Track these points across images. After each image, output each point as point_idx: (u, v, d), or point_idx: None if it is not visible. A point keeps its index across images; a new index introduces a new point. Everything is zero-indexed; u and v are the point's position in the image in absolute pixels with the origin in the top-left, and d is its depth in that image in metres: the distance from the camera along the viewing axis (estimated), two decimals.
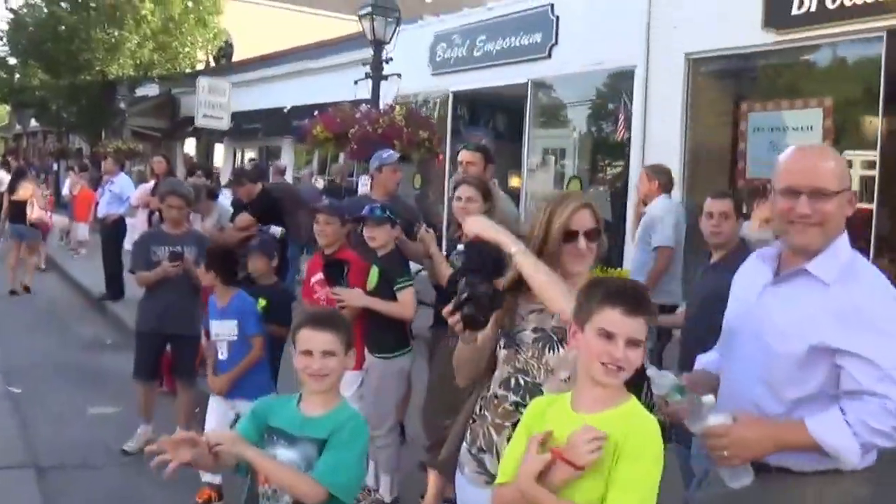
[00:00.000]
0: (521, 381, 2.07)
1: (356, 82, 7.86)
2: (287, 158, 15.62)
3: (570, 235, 2.01)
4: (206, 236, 4.63)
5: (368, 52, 13.08)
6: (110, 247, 8.92)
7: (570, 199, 2.06)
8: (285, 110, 15.27)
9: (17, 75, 19.77)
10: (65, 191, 12.87)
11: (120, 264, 8.84)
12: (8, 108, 34.66)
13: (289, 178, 12.65)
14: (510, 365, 2.10)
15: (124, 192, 9.02)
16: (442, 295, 3.66)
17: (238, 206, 5.78)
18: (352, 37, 15.17)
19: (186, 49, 18.24)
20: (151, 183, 8.43)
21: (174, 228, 4.43)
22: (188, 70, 18.84)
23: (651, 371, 1.87)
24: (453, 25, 10.38)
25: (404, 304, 3.43)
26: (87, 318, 8.32)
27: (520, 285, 2.08)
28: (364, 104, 7.47)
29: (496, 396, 2.12)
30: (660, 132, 7.84)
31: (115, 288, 8.76)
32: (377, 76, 7.45)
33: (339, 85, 13.61)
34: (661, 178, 5.15)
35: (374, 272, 3.50)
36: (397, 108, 6.96)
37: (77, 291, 9.81)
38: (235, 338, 3.75)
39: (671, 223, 4.89)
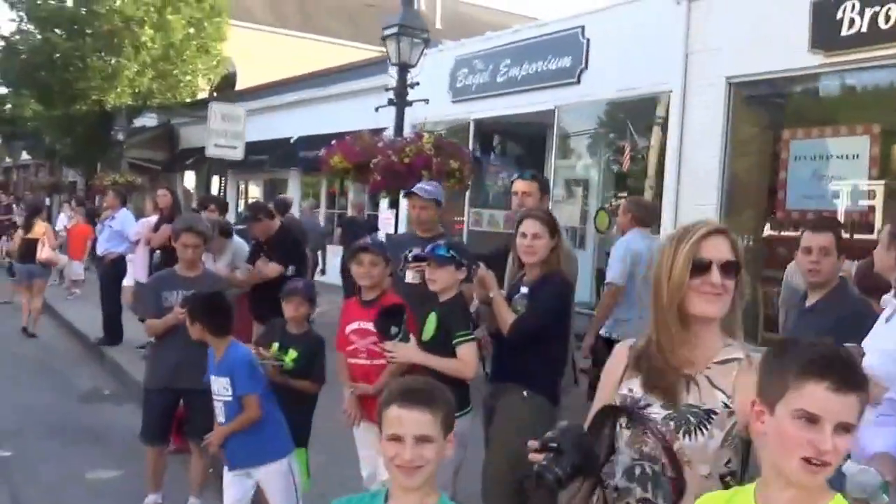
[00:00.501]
0: (649, 470, 1.72)
1: (377, 109, 7.60)
2: (294, 191, 15.41)
3: (699, 268, 1.67)
4: (224, 279, 4.28)
5: (381, 79, 13.07)
6: (109, 287, 8.57)
7: (699, 225, 1.73)
8: (292, 141, 15.09)
9: (9, 105, 19.65)
10: (58, 226, 12.59)
11: (119, 306, 8.51)
12: None
13: (294, 211, 12.41)
14: (635, 450, 1.75)
15: (125, 229, 8.68)
16: (502, 345, 3.31)
17: (255, 245, 5.44)
18: (363, 63, 15.08)
19: (188, 77, 18.12)
20: (153, 218, 8.11)
21: (188, 270, 4.09)
22: (189, 99, 18.72)
23: (848, 466, 1.51)
24: (475, 49, 10.22)
25: (465, 360, 3.06)
26: (84, 366, 7.95)
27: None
28: (385, 132, 7.19)
29: (618, 489, 1.77)
30: (697, 161, 7.59)
31: (113, 332, 8.41)
32: (402, 102, 7.19)
33: (351, 113, 13.47)
34: (634, 210, 5.15)
35: (432, 321, 3.15)
36: (425, 135, 6.68)
37: (71, 335, 9.44)
38: (230, 398, 3.41)
39: (619, 258, 4.89)
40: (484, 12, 25.85)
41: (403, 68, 7.23)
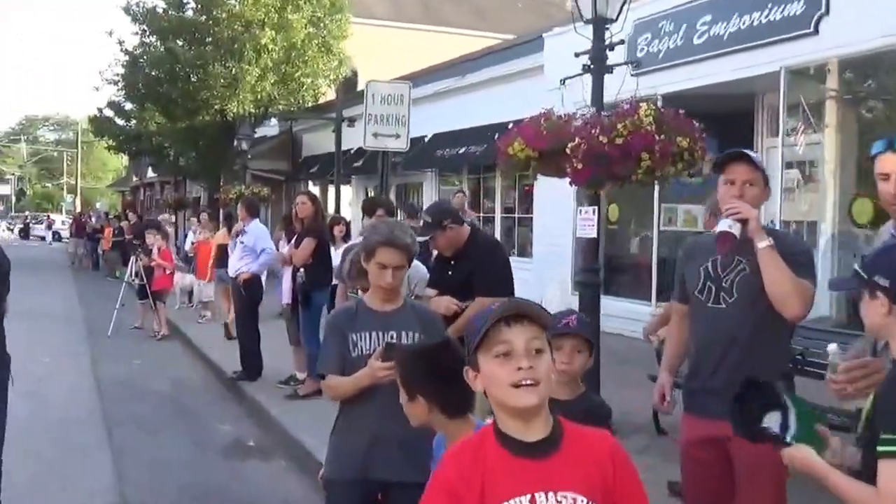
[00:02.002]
0: None
1: (563, 81, 6.24)
2: (429, 194, 14.37)
3: None
4: (434, 312, 2.99)
5: (524, 63, 11.72)
6: (244, 313, 7.69)
7: None
8: (426, 139, 14.06)
9: (134, 121, 19.98)
10: (187, 244, 12.12)
11: (257, 334, 7.61)
12: (125, 159, 36.45)
13: None
14: None
15: (259, 245, 7.78)
16: None
17: (438, 263, 4.14)
18: (505, 45, 13.84)
19: (309, 80, 17.60)
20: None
21: (385, 302, 2.84)
22: (311, 104, 18.21)
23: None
24: (661, 9, 8.63)
25: (885, 490, 1.60)
26: (220, 408, 7.04)
27: None
28: (579, 111, 5.78)
29: None
30: None
31: (251, 365, 7.50)
32: (600, 68, 5.77)
33: (494, 103, 12.24)
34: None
35: (867, 406, 1.70)
36: (643, 107, 5.22)
37: (206, 367, 8.68)
38: None
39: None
40: None
41: (600, 25, 5.80)
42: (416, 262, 4.59)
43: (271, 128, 20.63)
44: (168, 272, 10.92)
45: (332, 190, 15.29)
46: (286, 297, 7.14)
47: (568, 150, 5.41)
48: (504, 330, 1.55)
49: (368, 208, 4.60)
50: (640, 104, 5.28)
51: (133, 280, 11.20)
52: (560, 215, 10.65)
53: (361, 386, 2.72)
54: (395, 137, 7.73)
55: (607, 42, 5.86)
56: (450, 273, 4.14)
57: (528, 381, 1.53)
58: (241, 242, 7.90)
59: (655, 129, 5.17)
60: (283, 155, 19.92)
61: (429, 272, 4.31)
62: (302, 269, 6.76)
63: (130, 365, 8.71)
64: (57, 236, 39.35)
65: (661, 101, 8.62)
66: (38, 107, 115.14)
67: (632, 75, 8.80)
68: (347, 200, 16.59)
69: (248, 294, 7.71)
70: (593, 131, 5.27)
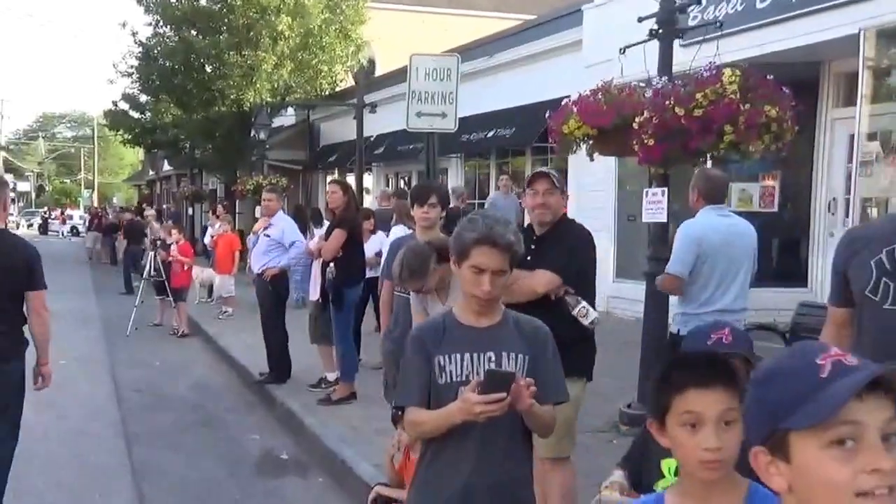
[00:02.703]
0: None
1: (623, 50, 5.52)
2: (455, 181, 13.68)
3: None
4: (541, 327, 2.28)
5: (557, 39, 10.97)
6: (271, 311, 7.07)
7: None
8: None
9: (149, 113, 19.37)
10: (206, 238, 11.52)
11: (285, 334, 6.99)
12: (141, 153, 35.99)
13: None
14: None
15: (287, 238, 7.15)
16: None
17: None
18: (536, 22, 13.03)
19: (327, 67, 16.90)
20: (323, 228, 6.51)
21: (480, 315, 2.14)
22: (328, 91, 17.51)
23: None
24: None
25: None
26: (248, 414, 6.43)
27: None
28: (646, 83, 5.07)
29: None
30: None
31: (279, 366, 6.88)
32: (669, 33, 5.07)
33: (522, 84, 11.53)
34: (699, 184, 4.32)
35: None
36: (726, 72, 4.51)
37: (230, 368, 8.07)
38: None
39: (682, 245, 4.20)
40: None
41: None
42: None
43: (288, 117, 19.98)
44: (186, 268, 10.35)
45: (351, 179, 14.66)
46: (314, 293, 6.52)
47: (636, 125, 4.74)
48: (853, 406, 0.91)
49: (419, 196, 3.87)
50: (724, 69, 4.57)
51: (151, 276, 10.63)
52: (599, 197, 9.95)
53: (452, 423, 2.06)
54: (441, 116, 6.99)
55: (678, 3, 5.17)
56: (528, 258, 3.40)
57: (884, 490, 0.89)
58: (267, 235, 7.26)
59: (740, 98, 4.48)
60: (300, 144, 19.29)
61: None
62: (332, 264, 6.12)
63: (151, 367, 8.13)
64: (75, 231, 39.00)
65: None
66: (55, 104, 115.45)
67: (681, 46, 8.08)
68: (365, 188, 15.90)
69: (275, 290, 7.10)
70: (667, 102, 4.59)
